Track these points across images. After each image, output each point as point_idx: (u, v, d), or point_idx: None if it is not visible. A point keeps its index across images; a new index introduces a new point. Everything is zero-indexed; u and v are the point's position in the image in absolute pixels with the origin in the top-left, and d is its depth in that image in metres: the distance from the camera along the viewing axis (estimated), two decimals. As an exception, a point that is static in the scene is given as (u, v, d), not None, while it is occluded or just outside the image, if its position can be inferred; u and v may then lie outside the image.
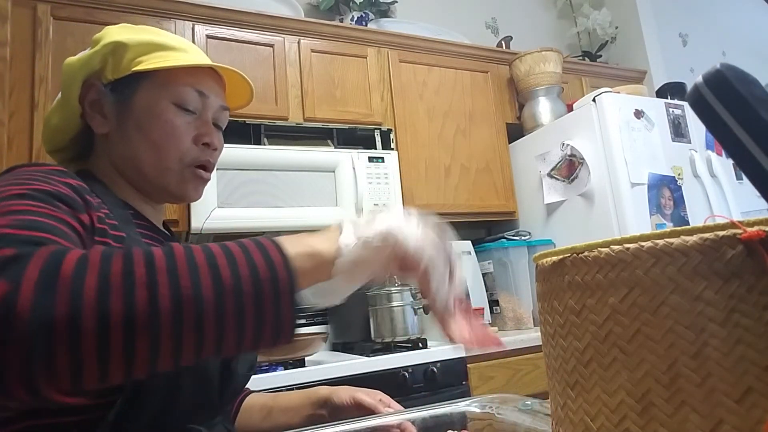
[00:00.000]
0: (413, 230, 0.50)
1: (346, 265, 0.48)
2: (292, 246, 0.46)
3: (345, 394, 0.81)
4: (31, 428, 0.52)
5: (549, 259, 0.39)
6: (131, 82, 0.70)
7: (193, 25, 1.90)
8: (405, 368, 1.60)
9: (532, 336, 1.85)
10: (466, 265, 2.15)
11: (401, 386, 1.58)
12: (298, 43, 2.07)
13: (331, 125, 2.05)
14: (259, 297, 0.42)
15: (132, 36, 0.70)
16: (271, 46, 2.02)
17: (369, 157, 2.00)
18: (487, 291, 2.19)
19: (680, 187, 2.04)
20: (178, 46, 0.73)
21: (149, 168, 0.71)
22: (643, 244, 0.32)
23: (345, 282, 0.49)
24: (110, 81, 0.70)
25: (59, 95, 0.72)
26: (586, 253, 0.35)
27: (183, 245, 0.44)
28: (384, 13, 2.57)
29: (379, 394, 0.82)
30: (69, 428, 0.53)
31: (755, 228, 0.29)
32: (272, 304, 0.42)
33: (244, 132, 1.89)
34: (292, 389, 1.43)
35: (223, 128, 0.79)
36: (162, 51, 0.71)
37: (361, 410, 0.78)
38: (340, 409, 0.80)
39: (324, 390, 0.83)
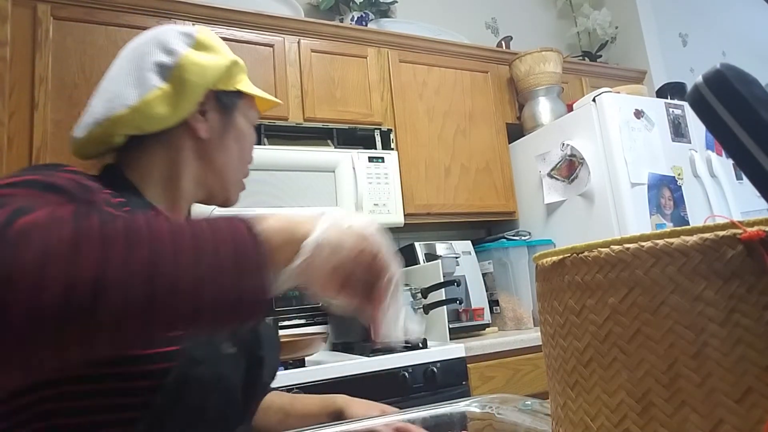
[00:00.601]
0: (385, 240, 0.49)
1: (314, 247, 0.45)
2: (264, 220, 0.46)
3: (360, 410, 0.83)
4: None
5: (549, 259, 0.39)
6: (233, 97, 0.76)
7: (193, 25, 1.90)
8: (405, 368, 1.60)
9: (532, 336, 1.85)
10: (466, 265, 2.16)
11: (401, 386, 1.58)
12: (298, 43, 2.07)
13: (331, 125, 2.05)
14: (219, 264, 0.40)
15: (236, 55, 0.78)
16: (271, 46, 2.02)
17: (369, 157, 2.00)
18: (487, 291, 2.19)
19: (680, 187, 2.04)
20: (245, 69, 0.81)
21: (232, 175, 0.79)
22: (643, 244, 0.32)
23: (306, 267, 0.45)
24: (215, 90, 0.74)
25: (162, 84, 0.69)
26: (586, 253, 0.35)
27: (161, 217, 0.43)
28: (384, 13, 2.57)
29: (390, 410, 0.84)
30: None
31: (755, 228, 0.28)
32: (234, 269, 0.41)
33: (244, 132, 1.89)
34: (292, 389, 1.43)
35: None
36: (244, 74, 0.79)
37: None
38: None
39: (340, 400, 0.85)
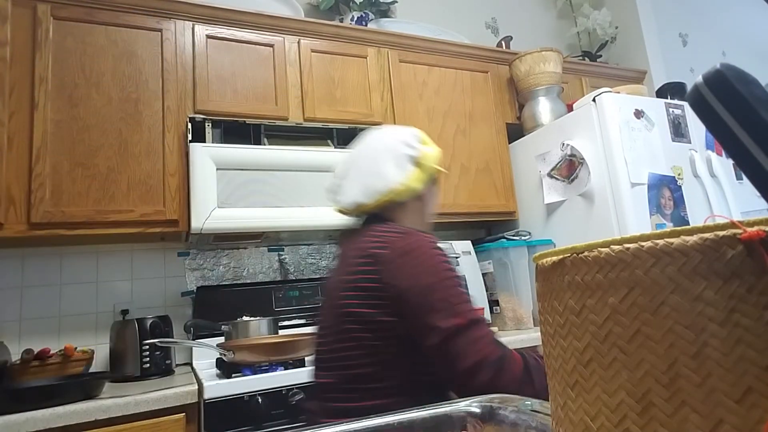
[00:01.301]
0: None
1: None
2: None
3: None
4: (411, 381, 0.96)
5: (549, 259, 0.39)
6: (433, 174, 1.15)
7: (193, 25, 1.90)
8: (405, 368, 1.60)
9: (532, 336, 1.85)
10: (467, 265, 2.15)
11: (401, 386, 1.58)
12: (298, 43, 2.07)
13: (331, 125, 2.05)
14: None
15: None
16: (271, 46, 2.02)
17: (369, 157, 1.99)
18: (487, 291, 2.18)
19: (680, 187, 2.04)
20: None
21: (430, 219, 1.18)
22: (643, 244, 0.32)
23: None
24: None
25: (414, 169, 1.09)
26: (586, 253, 0.35)
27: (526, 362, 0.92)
28: (384, 13, 2.57)
29: None
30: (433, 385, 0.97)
31: (755, 228, 0.28)
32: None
33: (244, 132, 1.89)
34: (292, 389, 1.43)
35: None
36: None
37: None
38: None
39: None
